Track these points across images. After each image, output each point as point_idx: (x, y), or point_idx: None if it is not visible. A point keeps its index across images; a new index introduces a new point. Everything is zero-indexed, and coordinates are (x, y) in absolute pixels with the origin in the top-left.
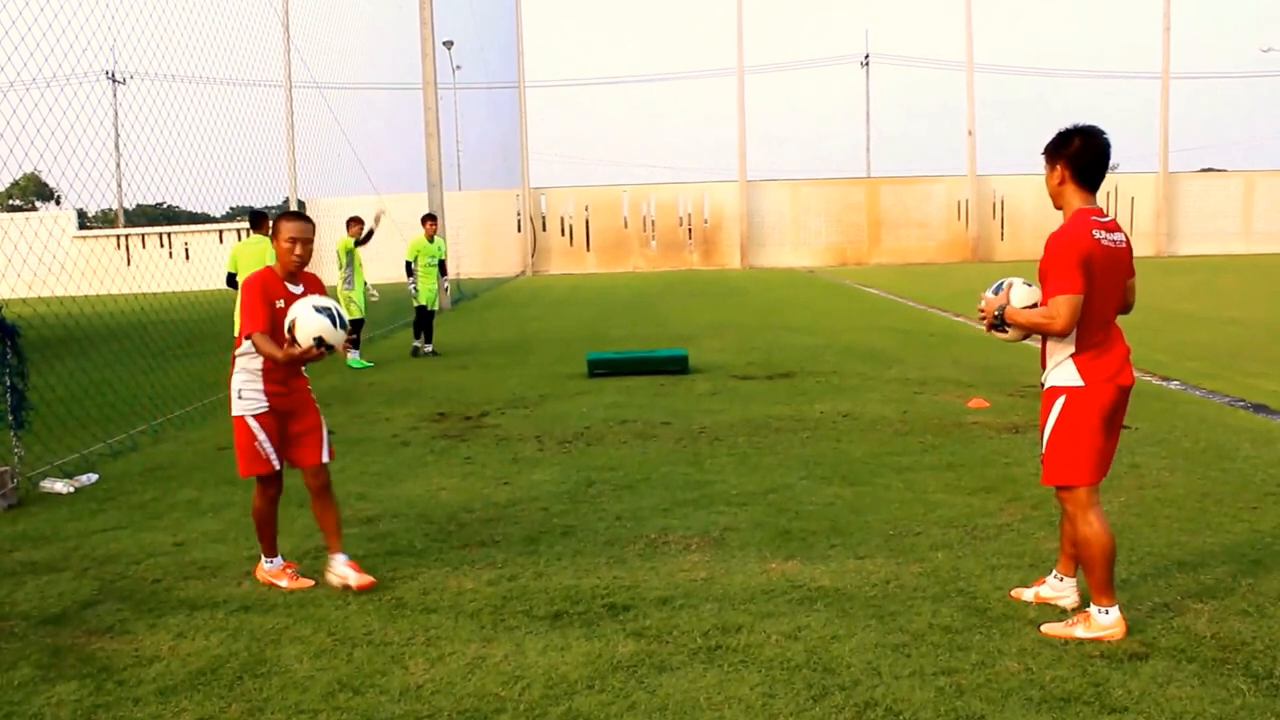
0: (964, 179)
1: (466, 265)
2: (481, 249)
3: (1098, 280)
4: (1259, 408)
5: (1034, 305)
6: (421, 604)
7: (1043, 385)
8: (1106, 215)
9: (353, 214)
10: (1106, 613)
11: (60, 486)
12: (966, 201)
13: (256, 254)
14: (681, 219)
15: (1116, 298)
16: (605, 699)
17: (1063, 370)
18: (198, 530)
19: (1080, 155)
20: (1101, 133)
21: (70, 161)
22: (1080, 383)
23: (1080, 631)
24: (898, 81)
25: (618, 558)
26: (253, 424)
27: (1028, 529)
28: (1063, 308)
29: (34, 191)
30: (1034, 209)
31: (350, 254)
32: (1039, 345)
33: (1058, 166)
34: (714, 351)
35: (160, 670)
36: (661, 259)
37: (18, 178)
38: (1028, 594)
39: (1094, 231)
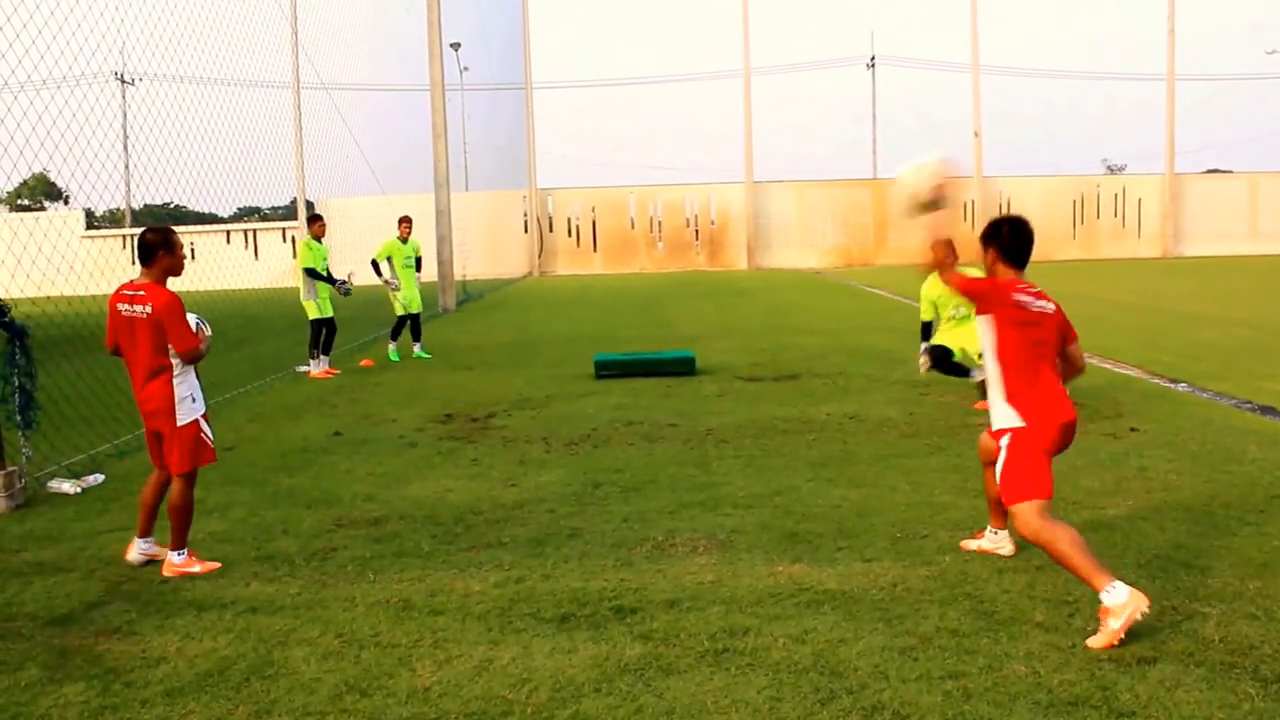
0: (970, 180)
1: (473, 266)
2: (488, 250)
3: (1015, 334)
4: (1266, 409)
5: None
6: (429, 606)
7: (992, 428)
8: (1035, 288)
9: (404, 214)
10: (1112, 591)
11: (67, 487)
12: (972, 202)
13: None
14: (688, 220)
15: (1038, 354)
16: (612, 702)
17: (1003, 414)
18: (204, 530)
19: (1007, 241)
20: (1025, 222)
21: (79, 162)
22: (1020, 423)
23: (1114, 623)
24: (903, 83)
25: (625, 560)
26: (203, 422)
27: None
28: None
29: (42, 191)
30: (1040, 210)
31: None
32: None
33: (990, 250)
34: (721, 353)
35: (167, 671)
36: (668, 260)
37: (26, 178)
38: (972, 545)
39: (1016, 295)
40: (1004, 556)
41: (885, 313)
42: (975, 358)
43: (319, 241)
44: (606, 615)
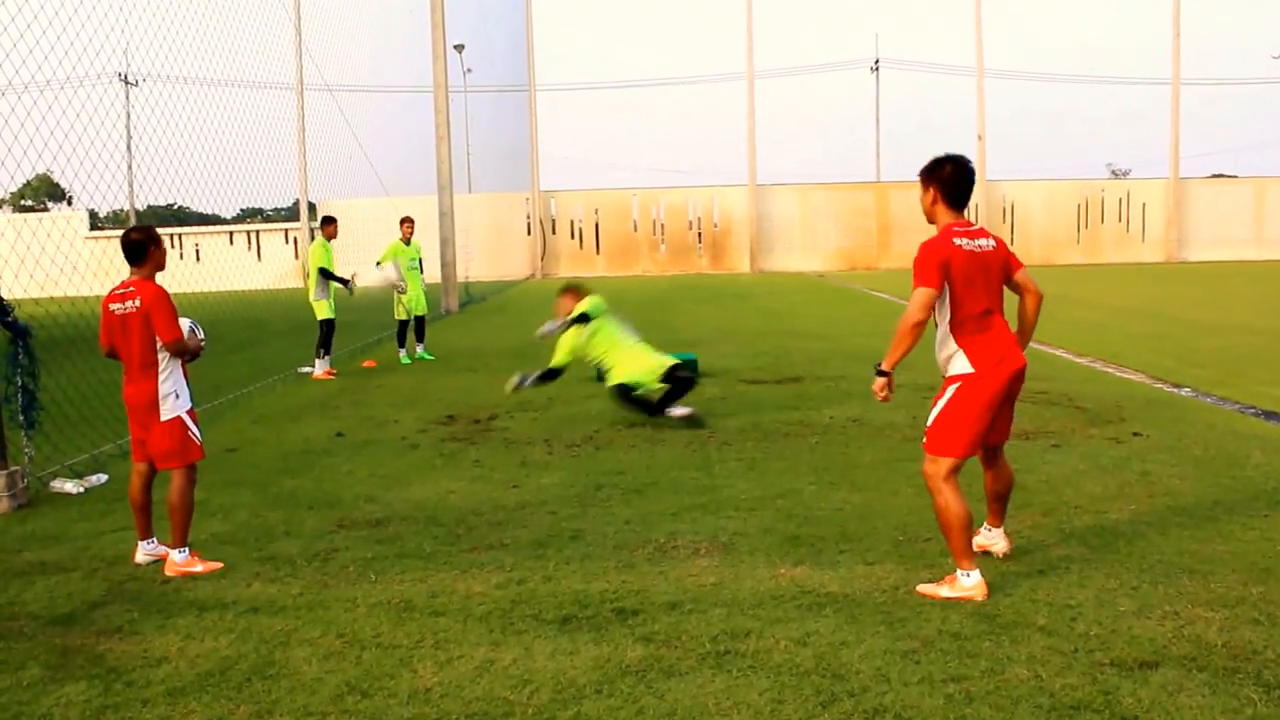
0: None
1: (475, 268)
2: (491, 252)
3: (960, 278)
4: (1269, 415)
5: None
6: (430, 607)
7: (944, 377)
8: (974, 225)
9: (405, 215)
10: (969, 575)
11: (70, 487)
12: (976, 206)
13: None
14: (691, 223)
15: (988, 293)
16: (614, 704)
17: (956, 361)
18: (206, 531)
19: (950, 180)
20: (968, 161)
21: (83, 163)
22: (971, 370)
23: (945, 591)
24: (907, 86)
25: (626, 562)
26: (187, 419)
27: (1037, 535)
28: (913, 299)
29: (46, 192)
30: (1043, 214)
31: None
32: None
33: (931, 189)
34: (723, 356)
35: (169, 671)
36: (671, 263)
37: (30, 179)
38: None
39: (955, 239)
40: (999, 555)
41: (888, 316)
42: (653, 384)
43: (328, 243)
44: (608, 617)
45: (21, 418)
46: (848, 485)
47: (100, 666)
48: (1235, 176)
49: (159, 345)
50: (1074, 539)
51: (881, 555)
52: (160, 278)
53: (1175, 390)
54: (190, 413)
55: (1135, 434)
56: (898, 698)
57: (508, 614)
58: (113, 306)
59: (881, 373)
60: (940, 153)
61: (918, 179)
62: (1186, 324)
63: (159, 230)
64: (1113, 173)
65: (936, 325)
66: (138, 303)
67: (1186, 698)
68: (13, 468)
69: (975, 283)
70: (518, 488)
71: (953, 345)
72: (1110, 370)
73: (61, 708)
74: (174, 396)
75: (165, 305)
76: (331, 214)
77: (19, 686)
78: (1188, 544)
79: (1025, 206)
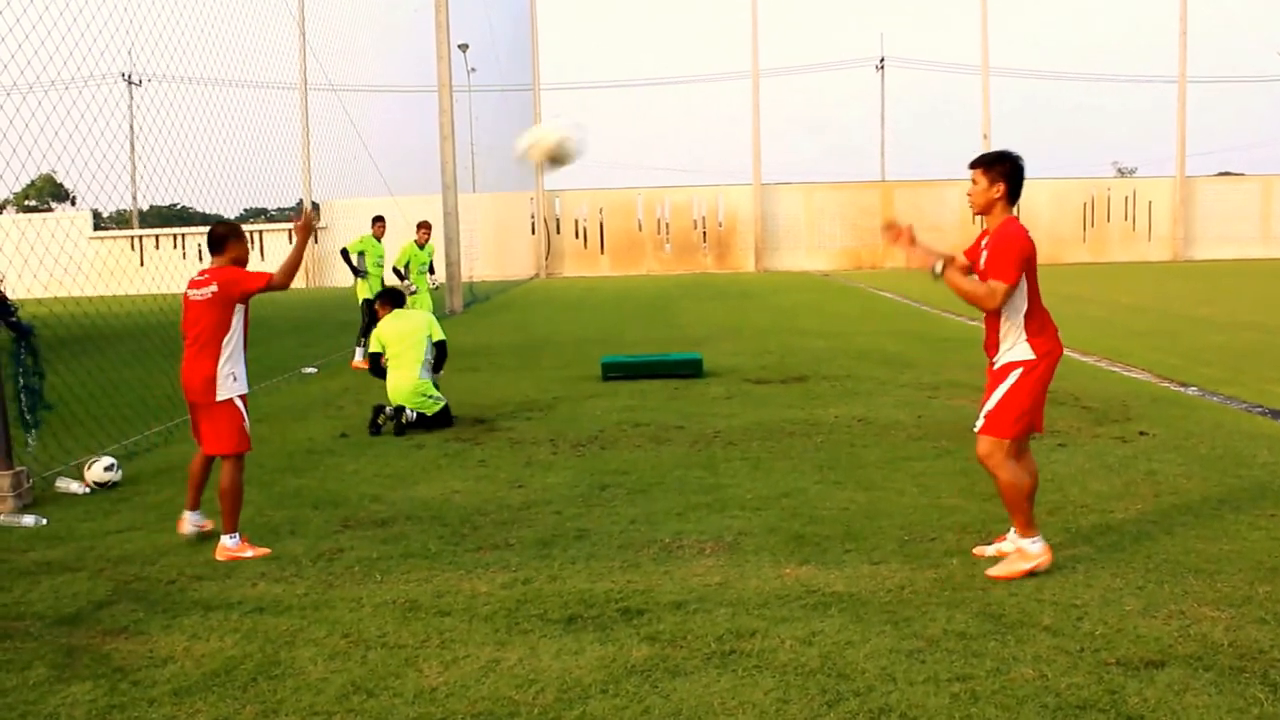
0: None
1: (480, 268)
2: (495, 251)
3: (1033, 273)
4: (1276, 414)
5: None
6: (436, 607)
7: (994, 365)
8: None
9: (423, 219)
10: (1035, 542)
11: (75, 487)
12: None
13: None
14: (696, 222)
15: (1038, 286)
16: (619, 703)
17: (1018, 349)
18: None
19: (1014, 175)
20: (1022, 158)
21: (86, 163)
22: (1033, 356)
23: (1023, 565)
24: (913, 85)
25: (632, 562)
26: (240, 404)
27: (1043, 535)
28: (1000, 294)
29: (50, 192)
30: (1049, 212)
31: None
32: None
33: (1001, 183)
34: (728, 355)
35: (175, 671)
36: (676, 262)
37: (34, 179)
38: (989, 550)
39: (1029, 235)
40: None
41: (893, 316)
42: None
43: (378, 241)
44: (613, 616)
45: (29, 417)
46: (853, 484)
47: (106, 666)
48: (1242, 174)
49: (230, 330)
50: (1080, 538)
51: (887, 554)
52: (164, 278)
53: (1182, 389)
54: (243, 398)
55: (1141, 433)
56: (903, 697)
57: (513, 614)
58: (190, 294)
59: (936, 275)
60: (981, 151)
61: (976, 170)
62: (1193, 322)
63: (163, 230)
64: (1119, 171)
65: (1001, 316)
66: (214, 288)
67: (1193, 697)
68: (18, 468)
69: (1035, 276)
70: (523, 487)
71: (1019, 334)
72: (1116, 369)
73: (67, 707)
74: (231, 378)
75: (243, 272)
76: (380, 214)
77: (25, 686)
78: (1194, 543)
79: (1031, 204)
